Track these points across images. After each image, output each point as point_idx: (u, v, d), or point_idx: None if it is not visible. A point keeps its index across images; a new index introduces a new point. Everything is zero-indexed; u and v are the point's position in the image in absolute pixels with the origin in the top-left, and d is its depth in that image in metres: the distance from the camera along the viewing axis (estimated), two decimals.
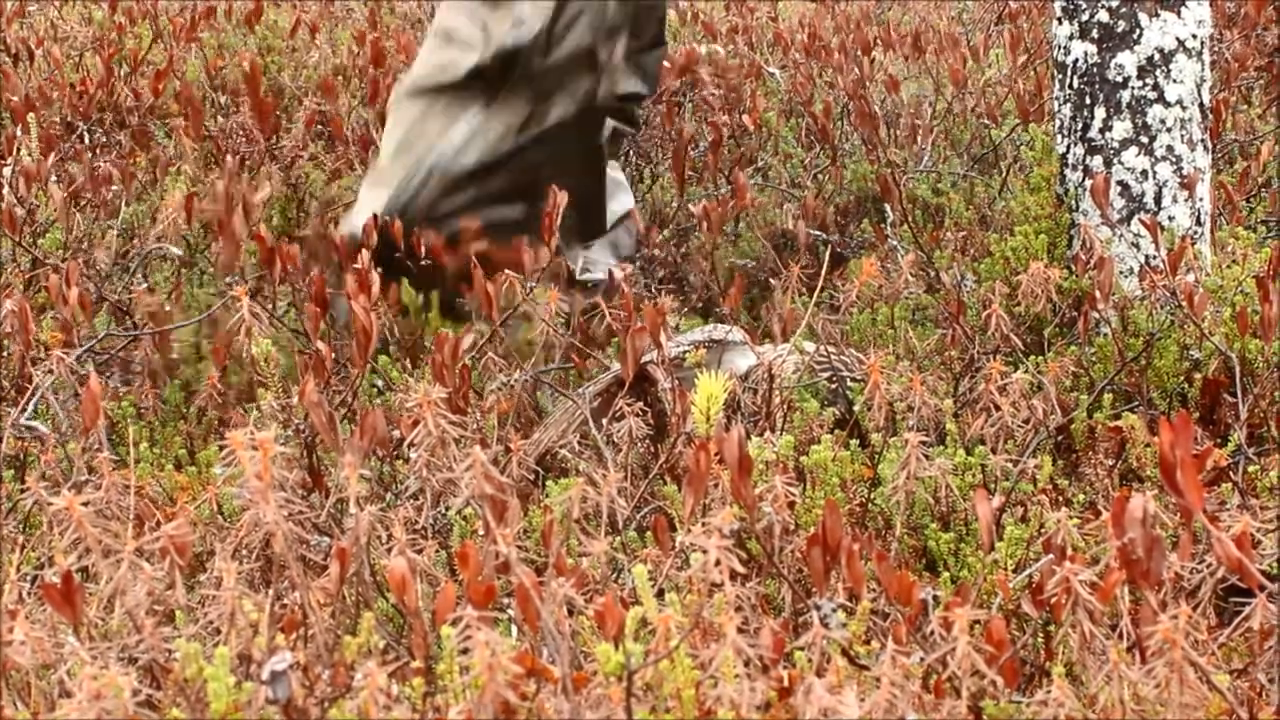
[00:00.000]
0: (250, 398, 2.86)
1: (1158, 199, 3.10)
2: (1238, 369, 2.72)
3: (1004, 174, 4.13)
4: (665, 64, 5.14)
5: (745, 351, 2.74)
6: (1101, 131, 3.11)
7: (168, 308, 3.30)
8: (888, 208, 3.92)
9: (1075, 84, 3.13)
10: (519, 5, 3.31)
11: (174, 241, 3.66)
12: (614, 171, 3.71)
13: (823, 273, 3.05)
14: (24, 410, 2.72)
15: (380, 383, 3.01)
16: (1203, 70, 3.12)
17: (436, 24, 3.47)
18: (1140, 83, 3.08)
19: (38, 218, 3.79)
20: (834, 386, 2.74)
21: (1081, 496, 2.49)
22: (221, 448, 1.77)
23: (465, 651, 1.52)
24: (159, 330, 3.14)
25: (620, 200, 3.74)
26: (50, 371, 2.82)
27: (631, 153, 4.65)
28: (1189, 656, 1.57)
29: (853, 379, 2.74)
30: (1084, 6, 3.09)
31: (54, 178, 4.11)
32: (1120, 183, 3.10)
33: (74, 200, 4.00)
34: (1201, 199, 3.13)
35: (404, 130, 3.39)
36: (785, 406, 2.65)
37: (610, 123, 3.60)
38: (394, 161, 3.37)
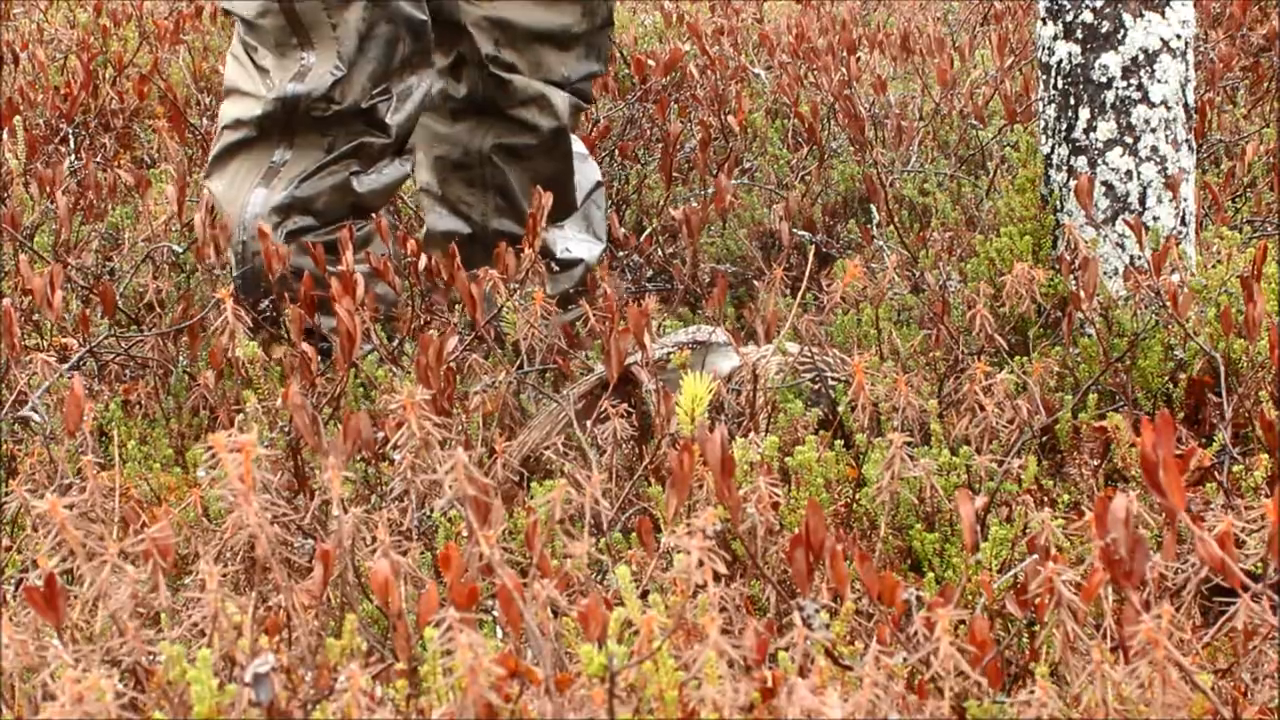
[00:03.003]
0: (238, 399, 2.86)
1: (1142, 199, 3.11)
2: (1222, 369, 2.72)
3: (991, 175, 4.13)
4: (651, 62, 5.15)
5: (729, 353, 2.74)
6: (1086, 132, 3.11)
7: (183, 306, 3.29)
8: (874, 208, 3.93)
9: (1059, 84, 3.13)
10: (306, 57, 3.25)
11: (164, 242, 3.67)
12: (576, 144, 3.70)
13: (807, 273, 3.05)
14: (8, 412, 2.71)
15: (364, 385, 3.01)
16: (1187, 70, 3.12)
17: (225, 83, 3.41)
18: (1124, 83, 3.09)
19: (25, 221, 3.79)
20: (817, 387, 2.74)
21: (1066, 497, 2.49)
22: (207, 449, 1.77)
23: (449, 653, 1.52)
24: (165, 332, 3.13)
25: (585, 173, 3.73)
26: (35, 374, 2.82)
27: (615, 152, 4.65)
28: (1172, 656, 1.58)
29: (835, 379, 2.74)
30: (1068, 7, 3.10)
31: (35, 181, 4.11)
32: (1105, 183, 3.10)
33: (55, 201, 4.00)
34: (1186, 199, 3.13)
35: (222, 207, 3.34)
36: (770, 408, 2.66)
37: (569, 100, 3.58)
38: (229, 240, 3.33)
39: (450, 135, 3.58)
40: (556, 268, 3.58)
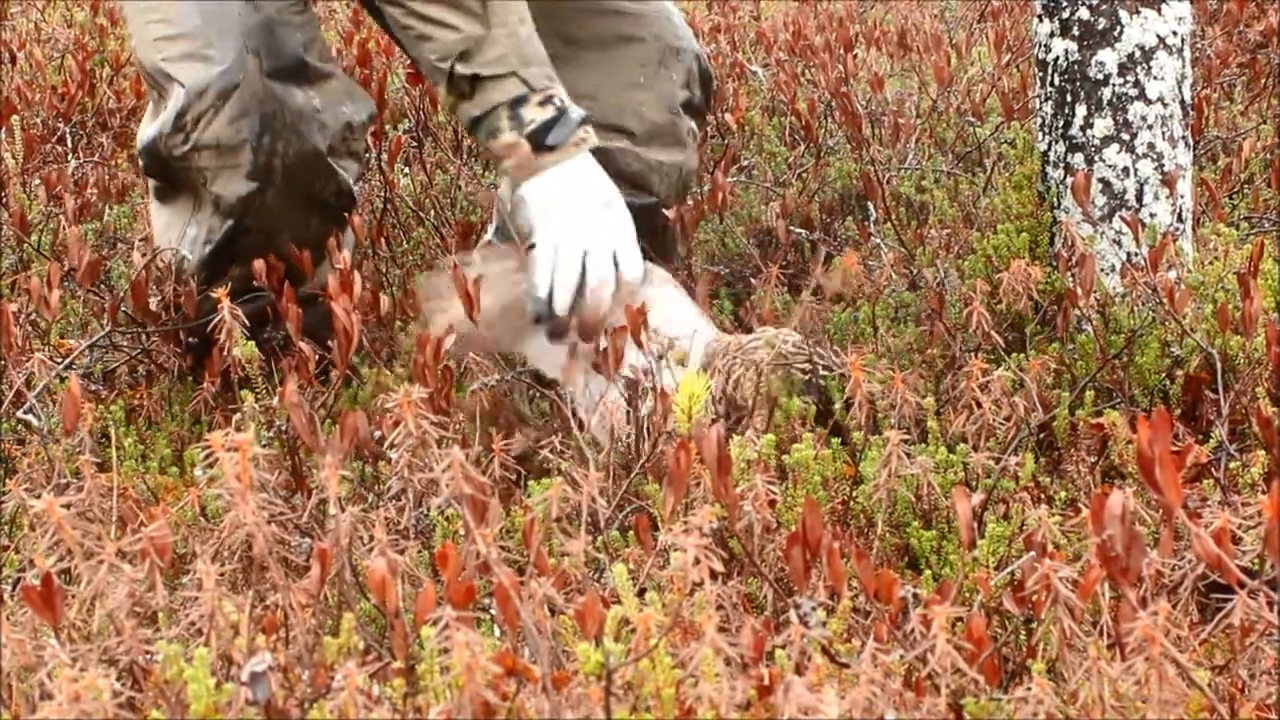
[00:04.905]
0: (233, 399, 2.86)
1: (1139, 196, 3.11)
2: (1219, 365, 2.72)
3: (988, 172, 4.13)
4: None
5: (679, 298, 2.67)
6: (1083, 129, 3.11)
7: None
8: (871, 205, 3.92)
9: (1056, 81, 3.13)
10: (163, 105, 3.07)
11: None
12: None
13: (815, 270, 3.05)
14: (8, 413, 2.71)
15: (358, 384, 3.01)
16: (1184, 67, 3.12)
17: None
18: (1121, 80, 3.09)
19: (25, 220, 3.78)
20: (808, 377, 2.72)
21: (1063, 494, 2.49)
22: (204, 449, 1.77)
23: (446, 651, 1.52)
24: (166, 329, 3.12)
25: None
26: (33, 374, 2.82)
27: None
28: (1169, 653, 1.58)
29: (826, 368, 2.72)
30: (1064, 4, 3.10)
31: (37, 180, 4.11)
32: (1101, 180, 3.10)
33: (56, 202, 4.00)
34: (1183, 196, 3.13)
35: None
36: (765, 398, 2.65)
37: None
38: None
39: None
40: None
